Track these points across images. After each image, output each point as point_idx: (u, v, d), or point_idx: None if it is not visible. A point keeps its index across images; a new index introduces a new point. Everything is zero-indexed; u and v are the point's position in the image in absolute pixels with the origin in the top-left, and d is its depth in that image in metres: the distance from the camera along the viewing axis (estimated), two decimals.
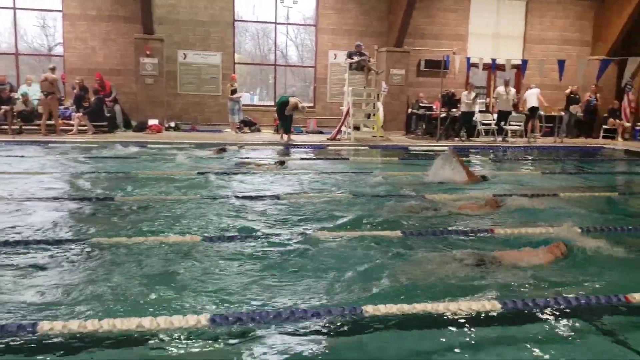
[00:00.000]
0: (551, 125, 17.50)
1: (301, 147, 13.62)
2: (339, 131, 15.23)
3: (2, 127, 14.21)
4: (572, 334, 3.54)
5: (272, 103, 17.86)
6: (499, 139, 16.07)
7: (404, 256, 4.86)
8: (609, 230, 5.82)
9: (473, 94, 15.72)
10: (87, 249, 4.79)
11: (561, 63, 15.23)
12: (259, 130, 16.80)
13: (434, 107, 16.96)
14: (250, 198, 7.12)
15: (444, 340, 3.41)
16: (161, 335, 3.26)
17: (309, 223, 6.03)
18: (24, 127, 14.57)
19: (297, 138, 14.85)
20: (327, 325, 3.49)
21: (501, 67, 16.80)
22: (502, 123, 16.14)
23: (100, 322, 3.23)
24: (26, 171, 9.02)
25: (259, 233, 5.49)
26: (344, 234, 5.40)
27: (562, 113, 17.27)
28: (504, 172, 10.57)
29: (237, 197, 7.16)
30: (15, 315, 3.49)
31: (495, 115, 16.69)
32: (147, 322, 3.27)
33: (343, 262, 4.69)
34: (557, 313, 3.72)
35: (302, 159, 11.52)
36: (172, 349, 3.18)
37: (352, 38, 17.06)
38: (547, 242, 4.98)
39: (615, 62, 16.80)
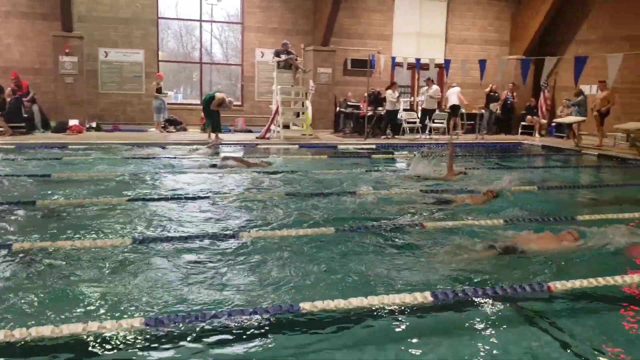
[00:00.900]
0: (472, 122, 18.18)
1: (230, 146, 13.46)
2: (268, 130, 15.17)
3: None
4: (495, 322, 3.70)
5: (198, 101, 17.56)
6: (424, 136, 16.53)
7: (343, 253, 4.94)
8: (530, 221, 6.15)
9: (397, 93, 16.08)
10: (9, 256, 4.55)
11: (482, 62, 15.83)
12: (185, 130, 16.46)
13: (361, 105, 17.22)
14: (184, 199, 6.99)
15: (380, 333, 3.48)
16: (94, 341, 3.15)
17: (244, 223, 6.00)
18: None
19: (225, 137, 14.65)
20: (264, 324, 3.47)
21: (425, 67, 17.26)
22: (426, 121, 16.63)
23: (29, 331, 3.08)
24: None
25: (194, 234, 5.40)
26: (278, 233, 5.39)
27: (483, 111, 17.96)
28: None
29: (169, 198, 7.02)
30: None
31: (420, 114, 17.19)
32: (79, 328, 3.15)
33: (278, 260, 4.69)
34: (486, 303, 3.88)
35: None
36: (106, 353, 3.07)
37: (279, 36, 17.04)
38: None
39: (533, 61, 17.66)
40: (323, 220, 6.06)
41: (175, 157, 10.96)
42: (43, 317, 3.44)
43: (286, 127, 15.60)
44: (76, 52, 15.26)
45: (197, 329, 3.36)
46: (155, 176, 8.82)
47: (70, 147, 12.22)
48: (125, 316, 3.47)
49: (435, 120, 16.77)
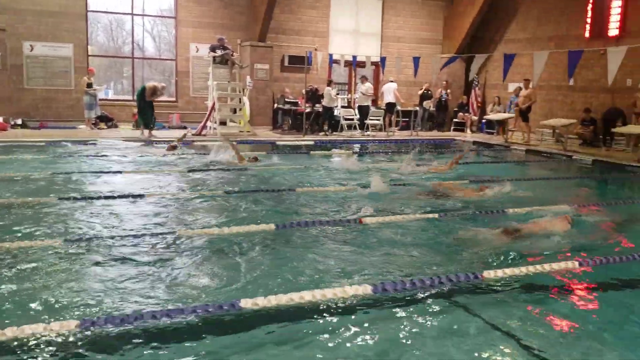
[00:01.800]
0: (407, 119, 18.55)
1: (163, 143, 13.12)
2: (204, 126, 14.93)
3: None
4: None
5: (130, 97, 17.07)
6: (361, 133, 16.72)
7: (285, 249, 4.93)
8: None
9: (334, 90, 16.19)
10: None
11: (416, 60, 16.13)
12: (116, 127, 15.97)
13: (299, 102, 17.22)
14: (117, 197, 6.78)
15: (323, 328, 3.49)
16: (27, 345, 3.00)
17: (178, 221, 5.89)
18: None
19: (159, 134, 14.30)
20: (204, 322, 3.42)
21: (361, 64, 17.45)
22: (363, 118, 16.83)
23: None
24: None
25: (128, 233, 5.24)
26: (216, 231, 5.32)
27: (417, 108, 18.34)
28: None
29: (101, 197, 6.78)
30: None
31: (357, 111, 17.40)
32: (9, 332, 2.99)
33: (218, 258, 4.64)
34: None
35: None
36: (39, 357, 2.94)
37: (215, 31, 16.78)
38: None
39: (463, 59, 18.17)
40: (263, 216, 6.03)
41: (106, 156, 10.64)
42: None
43: (223, 123, 15.39)
44: None
45: (135, 329, 3.26)
46: (84, 176, 8.50)
47: None
48: (60, 318, 3.33)
49: (372, 117, 16.99)
